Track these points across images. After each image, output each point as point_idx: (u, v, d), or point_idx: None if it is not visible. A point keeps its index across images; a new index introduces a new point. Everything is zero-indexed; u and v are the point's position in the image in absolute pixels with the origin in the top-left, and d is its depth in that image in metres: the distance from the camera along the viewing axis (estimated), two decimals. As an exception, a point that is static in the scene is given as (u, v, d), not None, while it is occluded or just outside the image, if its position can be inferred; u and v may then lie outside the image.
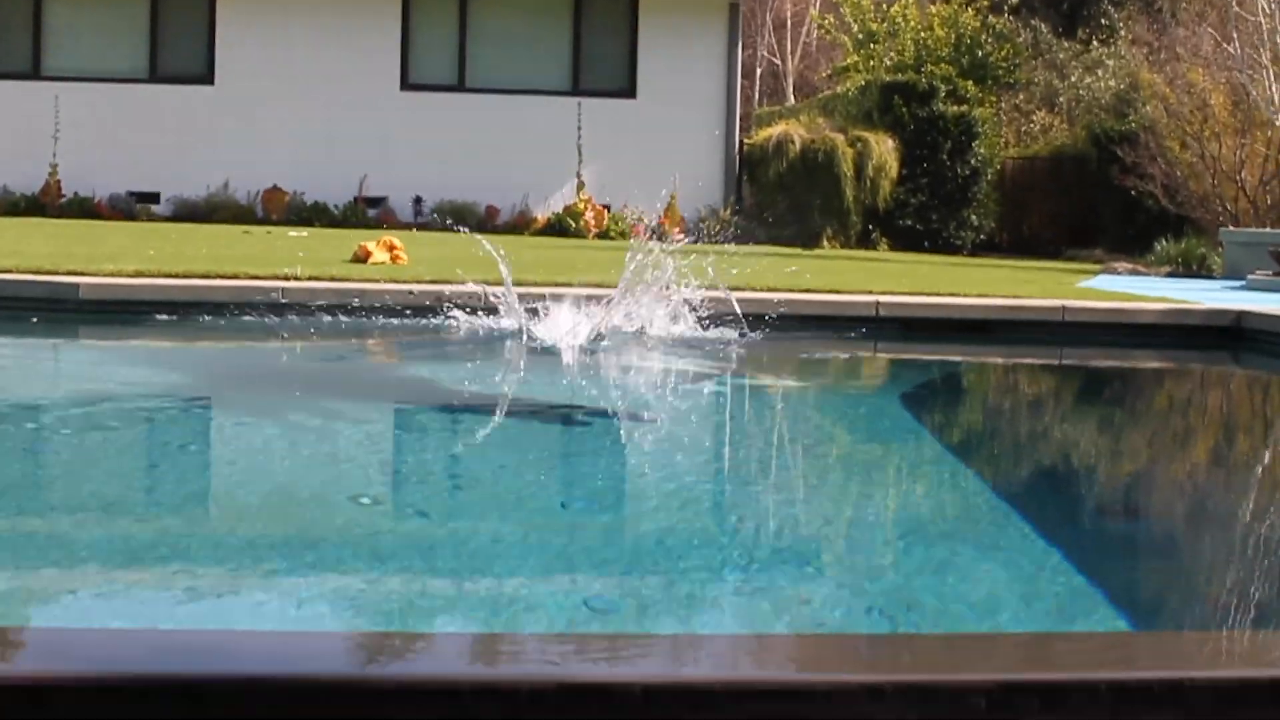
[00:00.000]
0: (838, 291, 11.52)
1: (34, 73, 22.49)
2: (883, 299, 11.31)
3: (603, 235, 21.59)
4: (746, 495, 5.78)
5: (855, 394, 9.47)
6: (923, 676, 2.77)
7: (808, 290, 11.50)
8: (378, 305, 10.29)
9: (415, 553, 4.50)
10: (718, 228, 21.98)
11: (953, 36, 29.09)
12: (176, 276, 10.69)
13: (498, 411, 7.70)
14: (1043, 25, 31.98)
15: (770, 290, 11.16)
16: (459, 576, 4.19)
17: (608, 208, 22.24)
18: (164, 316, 10.06)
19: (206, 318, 10.06)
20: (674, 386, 8.89)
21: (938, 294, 11.90)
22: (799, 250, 20.21)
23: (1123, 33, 29.34)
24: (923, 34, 29.76)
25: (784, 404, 8.81)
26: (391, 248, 12.66)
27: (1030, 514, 5.35)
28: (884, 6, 32.02)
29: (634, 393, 8.62)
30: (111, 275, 10.61)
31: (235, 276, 10.69)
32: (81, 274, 10.66)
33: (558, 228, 21.67)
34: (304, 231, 19.17)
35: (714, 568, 4.47)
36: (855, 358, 10.91)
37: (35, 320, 10.09)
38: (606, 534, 4.98)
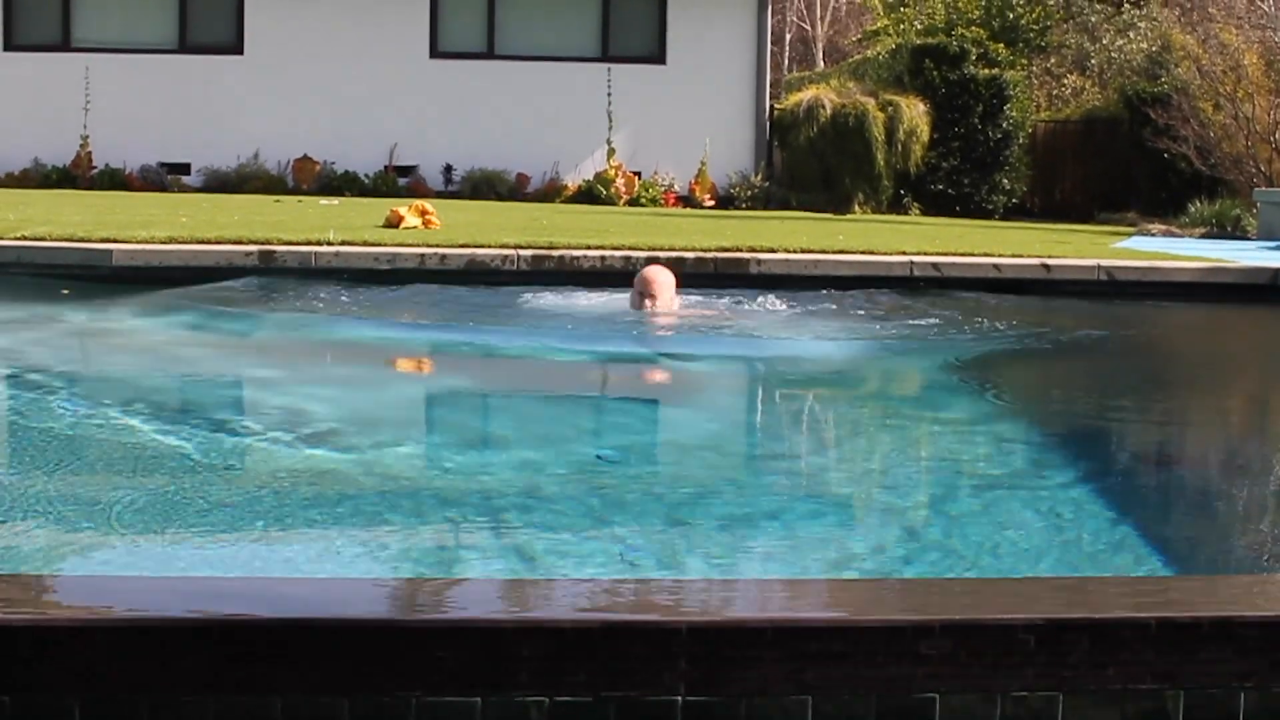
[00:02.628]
0: (873, 252, 11.47)
1: (64, 44, 22.48)
2: (917, 259, 11.26)
3: (633, 202, 21.54)
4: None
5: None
6: (968, 616, 2.75)
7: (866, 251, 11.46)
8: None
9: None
10: (749, 193, 21.96)
11: (983, -1, 28.93)
12: (209, 243, 10.69)
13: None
14: (1074, -12, 31.78)
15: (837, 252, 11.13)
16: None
17: (638, 174, 22.18)
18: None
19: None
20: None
21: (974, 254, 11.84)
22: (831, 215, 20.14)
23: (1155, -6, 29.14)
24: (954, -3, 29.61)
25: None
26: (424, 212, 12.63)
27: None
28: (914, -31, 31.88)
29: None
30: (144, 242, 10.61)
31: (268, 241, 10.67)
32: (114, 241, 10.67)
33: (588, 195, 21.61)
34: (335, 200, 19.17)
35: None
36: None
37: (66, 292, 10.09)
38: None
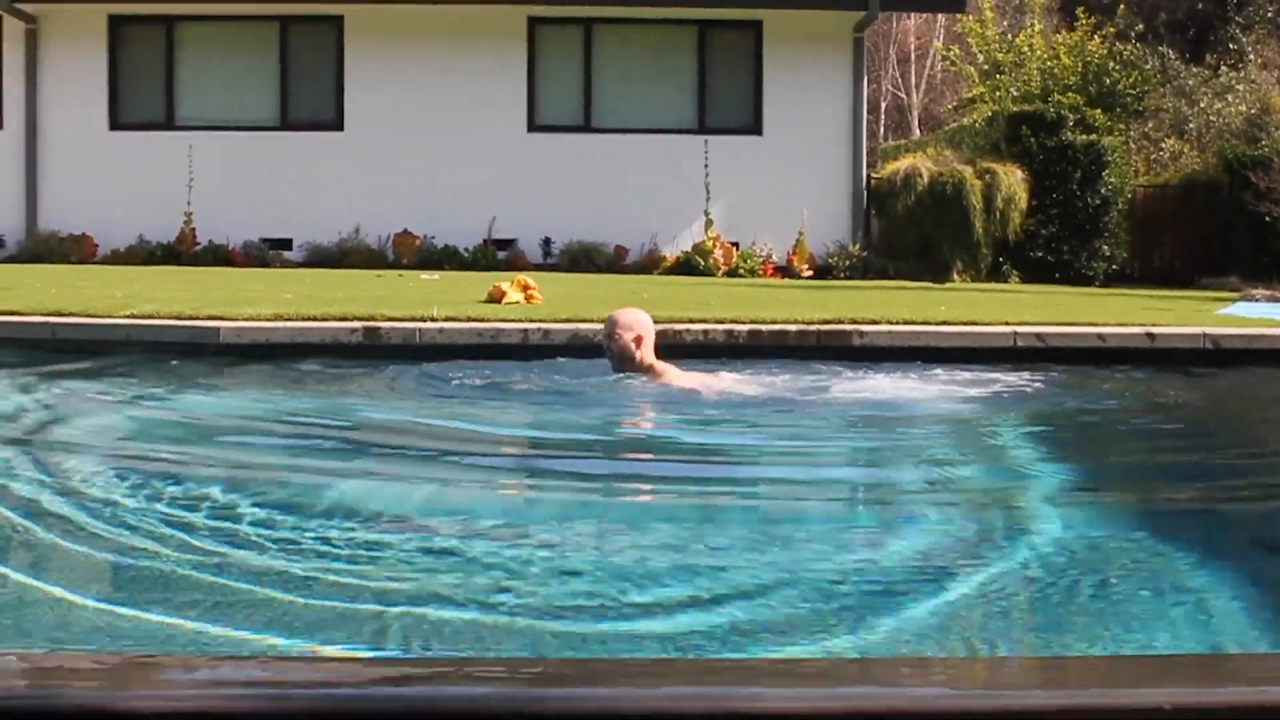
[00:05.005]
0: (976, 323, 11.40)
1: (168, 123, 22.84)
2: (1021, 329, 11.20)
3: (732, 273, 21.56)
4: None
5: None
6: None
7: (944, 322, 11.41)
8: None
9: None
10: (847, 262, 21.94)
11: (1080, 65, 28.84)
12: (314, 319, 10.78)
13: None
14: (1170, 51, 31.71)
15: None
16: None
17: (736, 245, 22.21)
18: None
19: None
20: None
21: (1076, 323, 11.75)
22: (930, 284, 20.08)
23: (1252, 57, 29.02)
24: (1049, 63, 29.56)
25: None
26: (526, 287, 12.69)
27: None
28: (1009, 36, 31.87)
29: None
30: (250, 319, 10.72)
31: (372, 318, 10.75)
32: (221, 318, 10.79)
33: (687, 266, 21.65)
34: (435, 274, 19.29)
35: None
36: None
37: (175, 363, 10.19)
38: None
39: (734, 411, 8.31)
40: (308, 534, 5.10)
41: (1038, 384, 9.55)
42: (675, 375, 8.71)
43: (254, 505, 5.57)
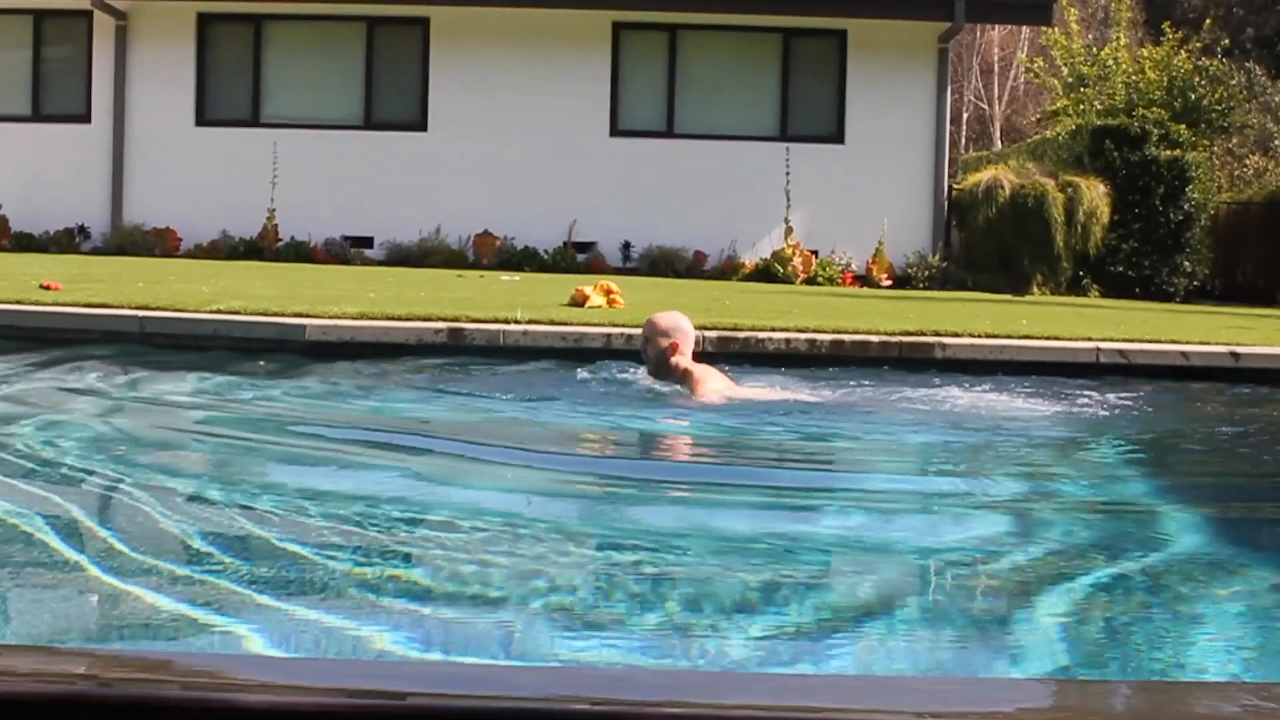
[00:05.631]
0: (1058, 338, 11.36)
1: (253, 120, 23.04)
2: (1103, 345, 11.16)
3: (810, 281, 21.54)
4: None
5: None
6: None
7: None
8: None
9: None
10: (926, 273, 21.89)
11: (1165, 80, 28.68)
12: (399, 319, 10.86)
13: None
14: (1257, 67, 31.52)
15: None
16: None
17: (815, 253, 22.20)
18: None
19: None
20: None
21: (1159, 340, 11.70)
22: (1010, 297, 20.02)
23: (1339, 75, 28.80)
24: (1134, 77, 29.42)
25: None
26: (609, 291, 12.74)
27: None
28: (1094, 50, 31.73)
29: None
30: (336, 317, 10.82)
31: (456, 319, 10.82)
32: (307, 316, 10.89)
33: (765, 273, 21.65)
34: (516, 276, 19.38)
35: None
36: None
37: (262, 361, 10.27)
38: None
39: (774, 417, 8.30)
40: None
41: (1123, 403, 9.50)
42: (714, 380, 8.70)
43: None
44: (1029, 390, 9.64)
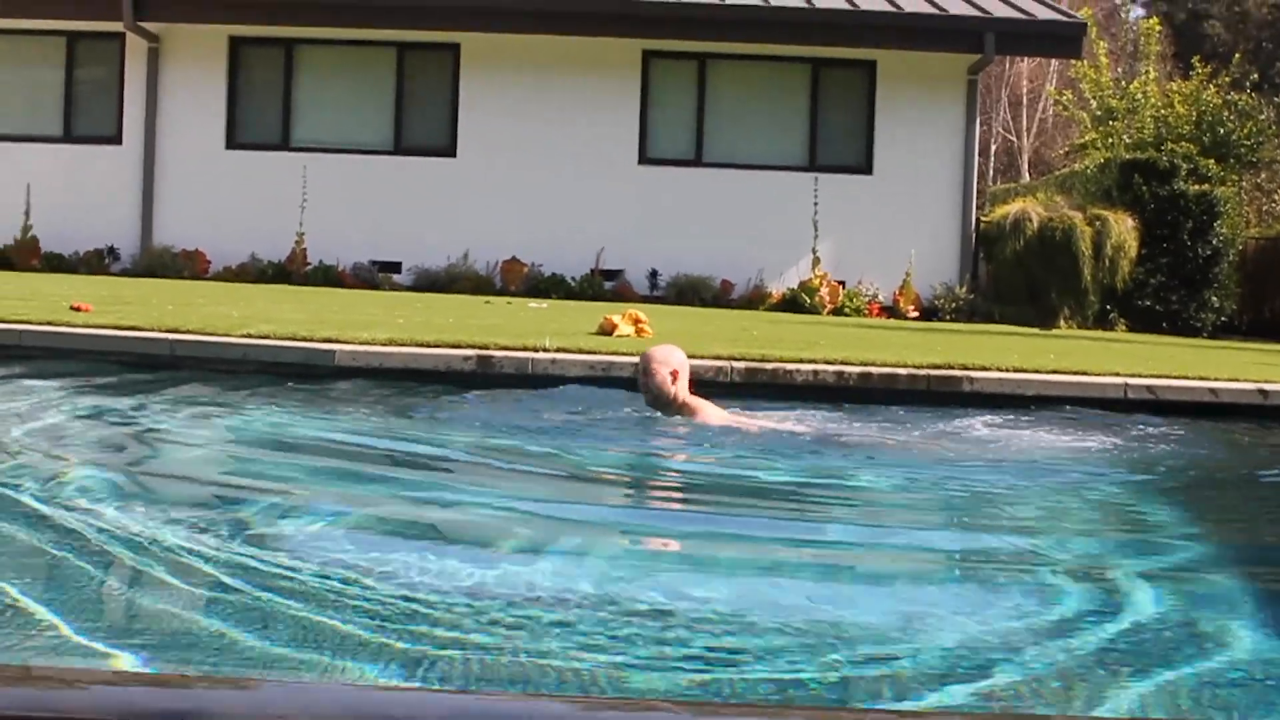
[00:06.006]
0: (1086, 373, 11.34)
1: (284, 143, 23.13)
2: (1131, 381, 11.14)
3: (837, 311, 21.54)
4: None
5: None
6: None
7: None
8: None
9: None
10: (953, 305, 21.88)
11: (1194, 114, 28.67)
12: (428, 345, 10.89)
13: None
14: (1286, 103, 31.41)
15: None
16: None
17: (842, 283, 22.20)
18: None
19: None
20: None
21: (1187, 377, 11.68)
22: (1037, 330, 20.00)
23: (1369, 110, 28.73)
24: (1163, 111, 29.40)
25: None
26: (637, 320, 12.76)
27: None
28: (1123, 83, 31.71)
29: None
30: (365, 343, 10.85)
31: (485, 346, 10.85)
32: (336, 341, 10.92)
33: (792, 303, 21.65)
34: (543, 303, 19.41)
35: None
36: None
37: (291, 384, 10.30)
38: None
39: (775, 448, 8.30)
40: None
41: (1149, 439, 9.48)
42: (712, 412, 8.72)
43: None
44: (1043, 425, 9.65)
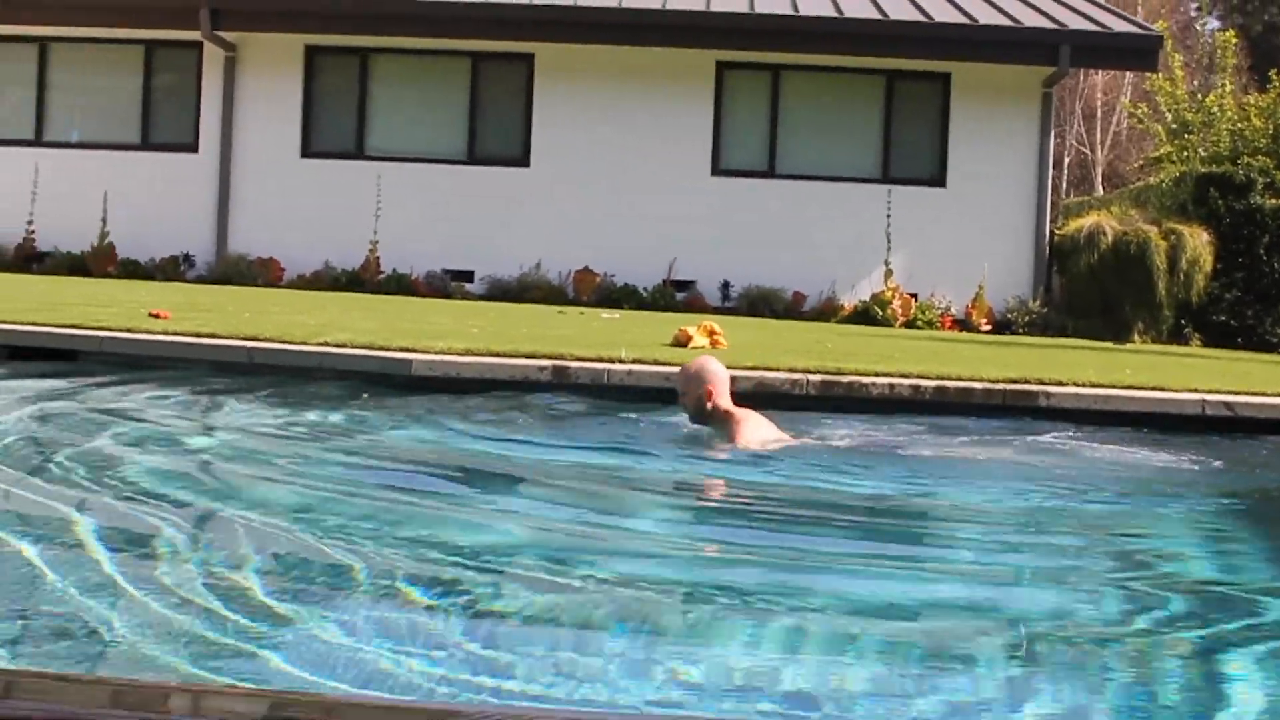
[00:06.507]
0: (1164, 389, 11.26)
1: (358, 152, 23.28)
2: (1209, 397, 11.06)
3: (909, 324, 21.49)
4: None
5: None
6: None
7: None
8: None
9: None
10: (1026, 319, 21.78)
11: (1271, 127, 28.43)
12: (504, 356, 10.91)
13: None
14: (1364, 117, 31.11)
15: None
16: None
17: (914, 296, 22.15)
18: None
19: None
20: None
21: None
22: (1111, 345, 19.88)
23: None
24: (1239, 124, 29.18)
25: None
26: (712, 332, 12.76)
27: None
28: (1199, 96, 31.51)
29: None
30: (442, 353, 10.88)
31: (561, 357, 10.86)
32: (412, 350, 10.96)
33: (864, 315, 21.61)
34: (616, 313, 19.44)
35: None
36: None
37: (366, 395, 10.34)
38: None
39: (817, 462, 8.25)
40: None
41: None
42: (755, 424, 8.68)
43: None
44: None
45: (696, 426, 8.76)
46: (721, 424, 8.59)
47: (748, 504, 7.41)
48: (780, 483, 7.76)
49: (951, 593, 5.45)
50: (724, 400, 8.67)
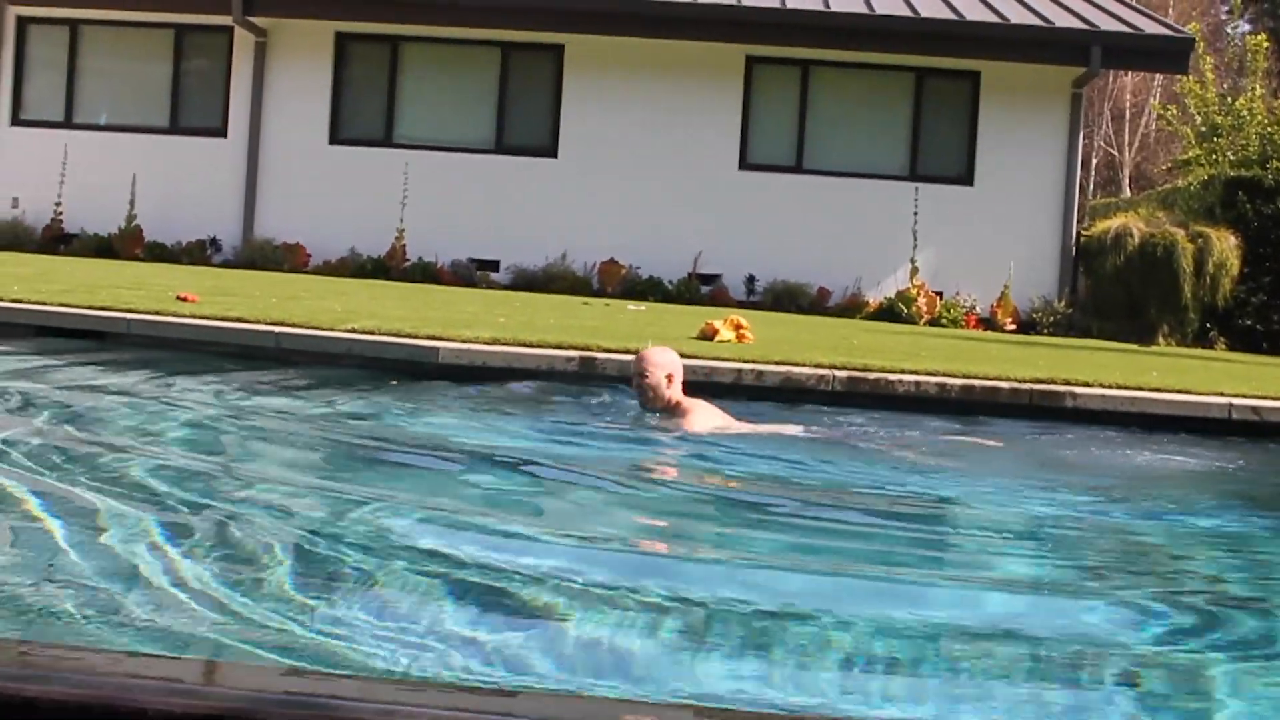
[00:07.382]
0: (1190, 392, 11.24)
1: (386, 140, 23.29)
2: (1236, 401, 11.03)
3: (934, 322, 21.46)
4: None
5: None
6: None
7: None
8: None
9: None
10: (1051, 319, 21.74)
11: (1300, 132, 28.34)
12: (531, 345, 10.92)
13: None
14: (1394, 122, 30.99)
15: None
16: None
17: (939, 294, 22.12)
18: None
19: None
20: None
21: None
22: (1136, 346, 19.83)
23: None
24: (1269, 129, 29.07)
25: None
26: (738, 326, 12.76)
27: None
28: (1229, 99, 31.40)
29: None
30: (469, 341, 10.89)
31: (588, 348, 10.88)
32: (440, 338, 10.97)
33: (889, 312, 21.58)
34: (641, 305, 19.44)
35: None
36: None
37: (395, 382, 10.35)
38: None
39: (764, 449, 8.34)
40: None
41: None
42: (704, 413, 8.76)
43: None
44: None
45: (643, 412, 8.86)
46: (672, 411, 8.72)
47: (698, 488, 7.54)
48: (728, 467, 7.90)
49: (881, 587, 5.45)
50: (678, 389, 8.87)
